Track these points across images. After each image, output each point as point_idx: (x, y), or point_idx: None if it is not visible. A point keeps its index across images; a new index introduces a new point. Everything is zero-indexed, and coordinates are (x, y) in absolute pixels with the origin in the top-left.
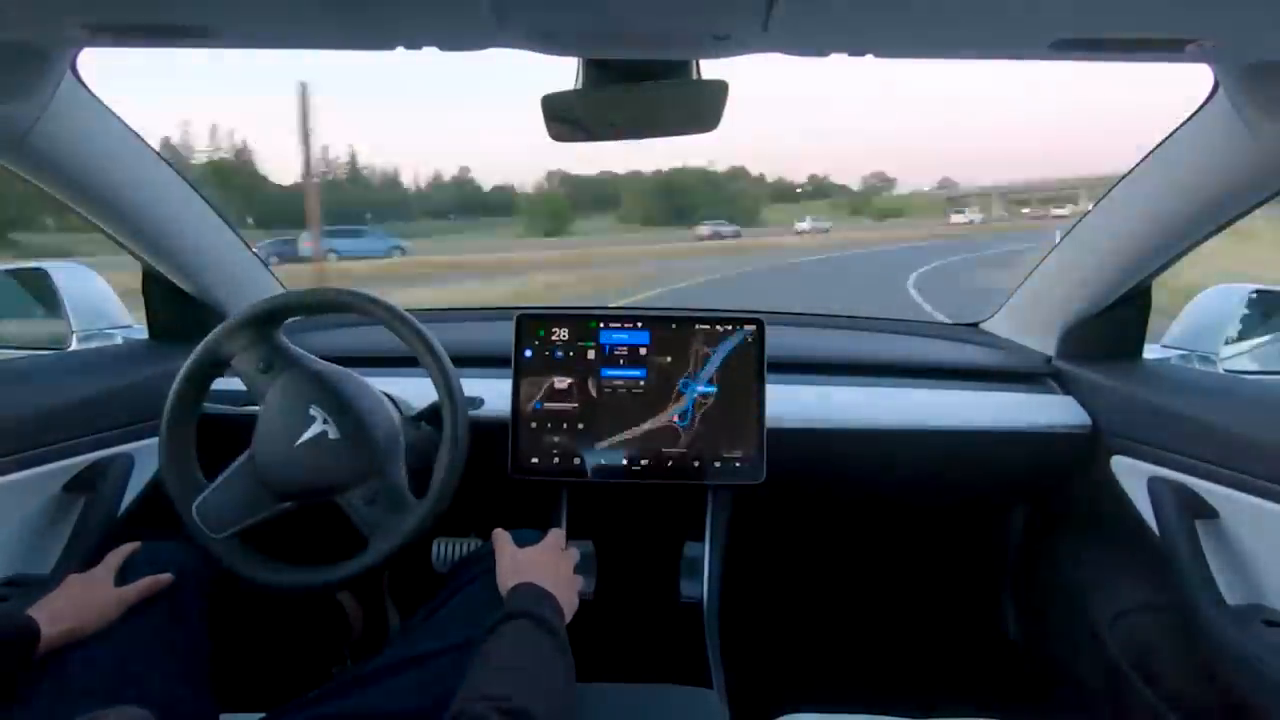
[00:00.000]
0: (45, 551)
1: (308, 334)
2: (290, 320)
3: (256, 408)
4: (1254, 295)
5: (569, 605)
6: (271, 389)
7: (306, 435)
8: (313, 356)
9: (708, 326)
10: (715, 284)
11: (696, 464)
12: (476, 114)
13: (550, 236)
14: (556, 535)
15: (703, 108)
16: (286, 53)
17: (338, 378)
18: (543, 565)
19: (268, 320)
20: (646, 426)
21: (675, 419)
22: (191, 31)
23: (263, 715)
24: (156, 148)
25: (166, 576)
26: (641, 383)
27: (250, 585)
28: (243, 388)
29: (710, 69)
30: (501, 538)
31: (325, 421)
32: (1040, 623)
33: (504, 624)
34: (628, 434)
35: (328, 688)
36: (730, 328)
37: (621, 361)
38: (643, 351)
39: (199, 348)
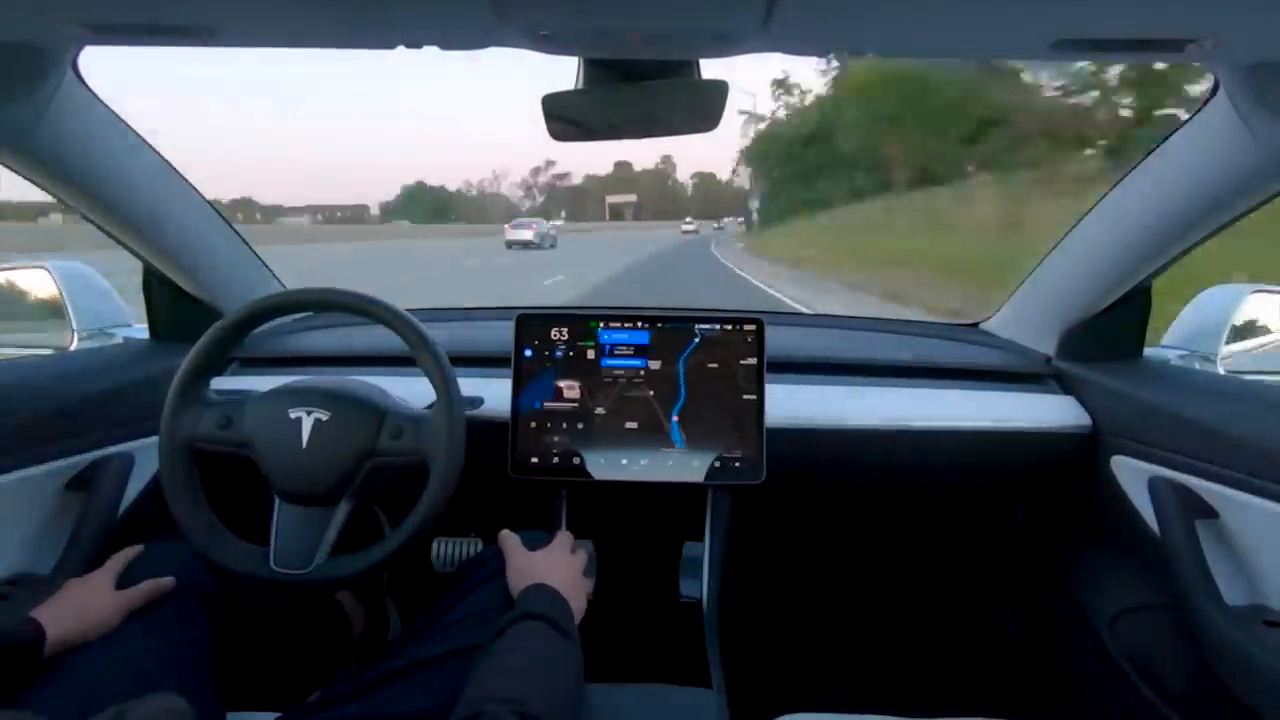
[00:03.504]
0: (46, 551)
1: (307, 334)
2: (291, 318)
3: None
4: (1254, 295)
5: (579, 607)
6: (244, 431)
7: (305, 433)
8: (246, 390)
9: (708, 326)
10: None
11: (696, 464)
12: None
13: None
14: (565, 536)
15: (703, 107)
16: None
17: (285, 385)
18: (553, 566)
19: (266, 317)
20: (646, 426)
21: (675, 418)
22: (192, 31)
23: (270, 716)
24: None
25: (168, 580)
26: (641, 382)
27: (281, 584)
28: (241, 386)
29: (710, 69)
30: (509, 539)
31: (309, 413)
32: (1040, 623)
33: (517, 624)
34: (628, 433)
35: (337, 690)
36: (730, 327)
37: (621, 361)
38: (642, 351)
39: (195, 348)
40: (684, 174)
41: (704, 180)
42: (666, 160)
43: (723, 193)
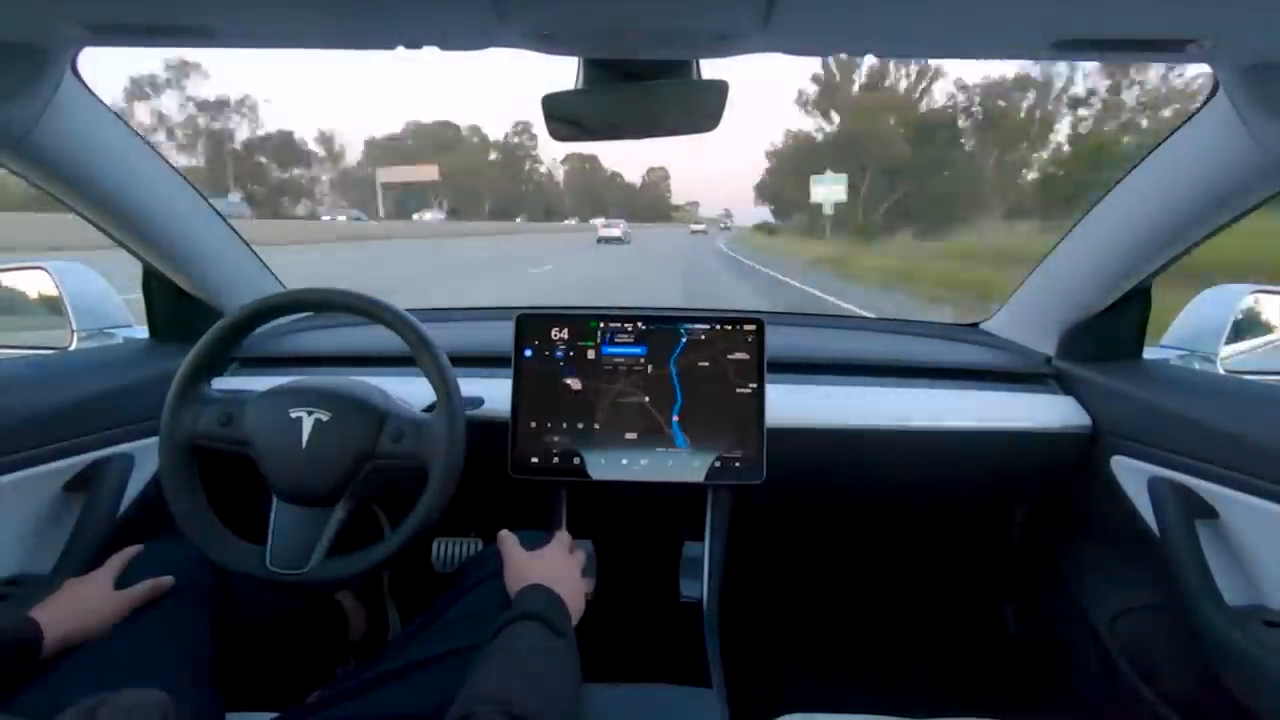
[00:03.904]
0: (45, 551)
1: (307, 334)
2: (292, 318)
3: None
4: (1253, 295)
5: (576, 608)
6: (244, 429)
7: (305, 433)
8: (246, 390)
9: (707, 326)
10: None
11: (696, 463)
12: None
13: None
14: (563, 537)
15: (703, 107)
16: None
17: (287, 384)
18: (551, 567)
19: (267, 317)
20: (646, 426)
21: (675, 418)
22: (192, 31)
23: (269, 716)
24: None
25: (168, 579)
26: (641, 382)
27: (277, 583)
28: (241, 386)
29: (710, 69)
30: (507, 539)
31: (310, 413)
32: (1040, 623)
33: (513, 625)
34: (628, 433)
35: (335, 690)
36: (730, 327)
37: (621, 361)
38: (643, 351)
39: (197, 348)
40: (551, 154)
41: (584, 165)
42: (522, 130)
43: (606, 188)
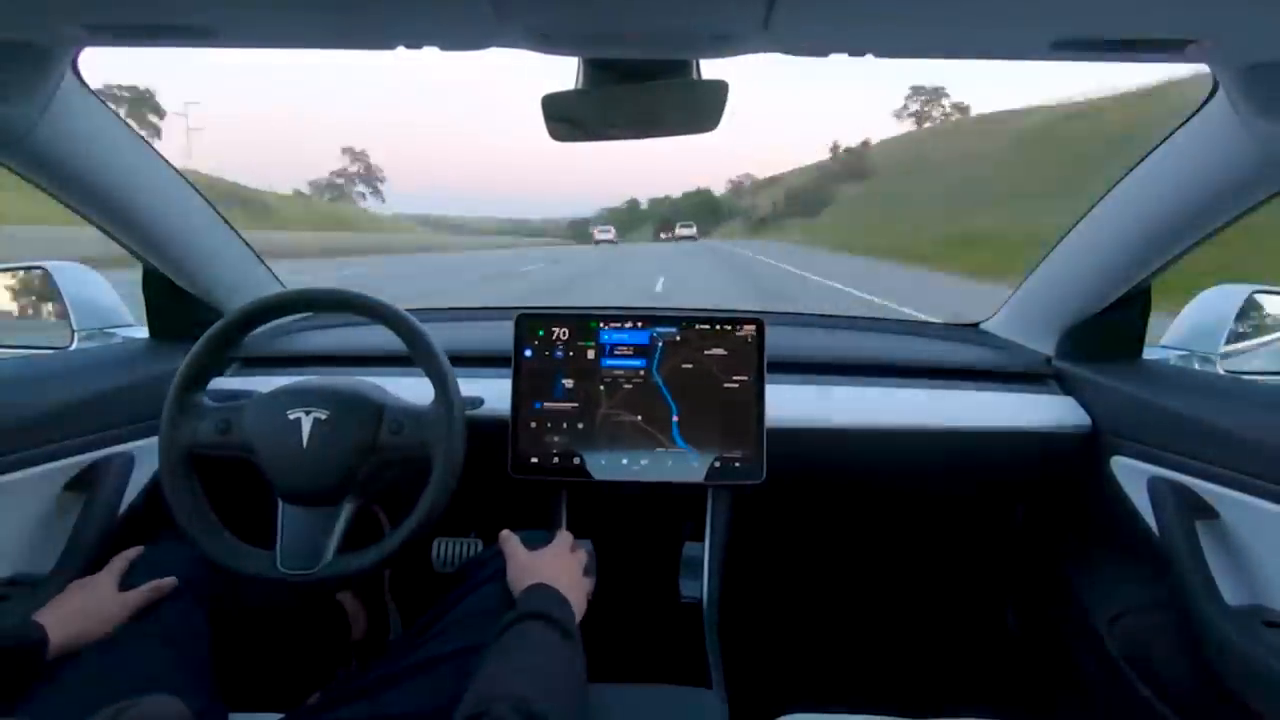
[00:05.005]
0: (45, 551)
1: (307, 334)
2: (293, 318)
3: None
4: (1254, 295)
5: (579, 606)
6: (244, 435)
7: (305, 433)
8: (246, 390)
9: (708, 326)
10: None
11: (696, 464)
12: None
13: None
14: (565, 536)
15: (703, 107)
16: None
17: (283, 386)
18: (554, 566)
19: (264, 318)
20: (647, 426)
21: (675, 418)
22: (192, 31)
23: (271, 717)
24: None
25: (170, 580)
26: (641, 382)
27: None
28: (241, 386)
29: (710, 69)
30: (510, 539)
31: (308, 413)
32: (1040, 622)
33: (519, 624)
34: (628, 433)
35: (338, 691)
36: (730, 327)
37: (622, 361)
38: (643, 351)
39: (193, 352)
40: None
41: None
42: None
43: None
